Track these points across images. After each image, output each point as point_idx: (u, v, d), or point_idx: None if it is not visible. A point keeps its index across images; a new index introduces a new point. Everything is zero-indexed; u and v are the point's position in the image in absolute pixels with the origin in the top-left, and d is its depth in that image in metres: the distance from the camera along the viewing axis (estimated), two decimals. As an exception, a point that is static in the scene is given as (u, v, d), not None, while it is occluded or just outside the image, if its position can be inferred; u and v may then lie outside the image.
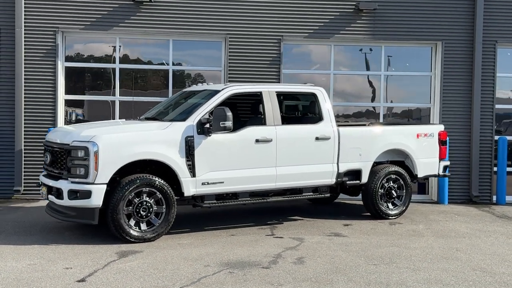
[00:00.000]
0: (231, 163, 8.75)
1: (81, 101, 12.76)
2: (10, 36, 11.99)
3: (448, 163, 11.05)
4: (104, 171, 7.85)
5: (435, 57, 12.91)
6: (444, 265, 7.21)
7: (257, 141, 8.93)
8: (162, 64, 12.61)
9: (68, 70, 12.42)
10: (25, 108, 12.04)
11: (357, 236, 8.86)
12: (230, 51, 12.36)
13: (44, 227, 9.00)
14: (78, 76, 12.73)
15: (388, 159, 10.55)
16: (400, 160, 10.63)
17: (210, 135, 8.50)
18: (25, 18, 11.98)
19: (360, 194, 10.40)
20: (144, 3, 12.15)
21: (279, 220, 9.93)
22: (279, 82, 12.39)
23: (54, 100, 12.16)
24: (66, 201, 7.94)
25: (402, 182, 10.34)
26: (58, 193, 8.04)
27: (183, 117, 8.74)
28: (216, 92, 9.05)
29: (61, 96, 12.33)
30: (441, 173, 10.89)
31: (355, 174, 9.97)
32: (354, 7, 12.50)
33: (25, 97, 12.04)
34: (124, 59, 12.60)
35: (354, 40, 12.71)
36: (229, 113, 8.38)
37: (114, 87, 12.50)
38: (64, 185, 7.98)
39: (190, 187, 8.43)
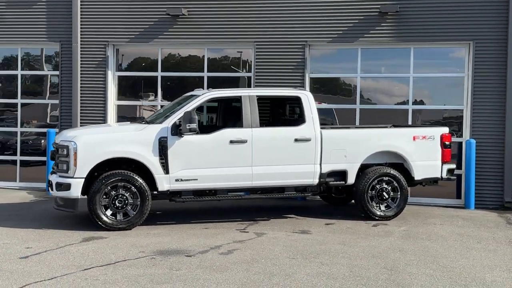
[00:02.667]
0: (205, 162, 9.55)
1: (134, 106, 14.19)
2: (68, 50, 13.80)
3: (453, 166, 10.82)
4: (82, 167, 9.08)
5: (468, 58, 12.52)
6: (359, 262, 7.40)
7: (231, 142, 9.64)
8: (199, 71, 13.65)
9: (119, 79, 13.95)
10: (80, 113, 13.76)
11: (320, 233, 9.19)
12: (256, 57, 13.09)
13: (56, 216, 10.40)
14: (128, 84, 14.24)
15: (386, 161, 10.62)
16: (399, 162, 10.63)
17: (183, 136, 9.37)
18: (80, 34, 13.71)
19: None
20: (180, 16, 13.31)
21: (268, 218, 10.47)
22: (303, 86, 12.85)
23: (104, 106, 13.75)
24: (54, 192, 9.32)
25: (396, 184, 10.37)
26: (50, 185, 9.43)
27: (163, 119, 9.71)
28: (196, 97, 9.91)
29: (112, 102, 13.90)
30: (444, 176, 10.69)
31: (341, 175, 10.22)
32: (378, 10, 12.58)
33: (81, 103, 13.76)
34: (166, 67, 13.84)
35: (380, 43, 12.78)
36: (195, 117, 9.20)
37: (156, 94, 13.79)
38: (54, 178, 9.37)
39: (164, 183, 9.39)
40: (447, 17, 12.40)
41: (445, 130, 10.73)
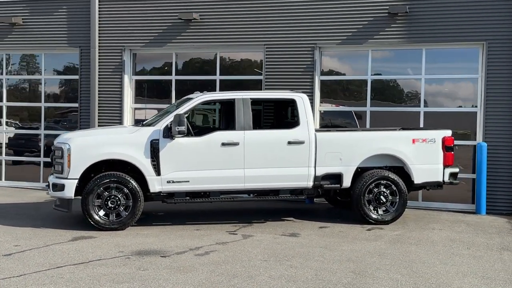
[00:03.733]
0: (197, 164, 9.68)
1: (151, 109, 14.49)
2: (87, 55, 14.23)
3: (456, 170, 10.54)
4: (76, 168, 9.37)
5: (482, 59, 12.16)
6: (330, 266, 7.34)
7: (223, 144, 9.72)
8: (211, 74, 13.80)
9: (135, 82, 14.28)
10: (98, 116, 14.16)
11: (308, 236, 9.15)
12: (267, 59, 13.14)
13: (59, 216, 10.73)
14: (144, 87, 14.57)
15: (386, 165, 10.46)
16: (399, 166, 10.45)
17: (174, 139, 9.53)
18: (98, 39, 14.12)
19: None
20: (192, 20, 13.51)
21: (265, 220, 10.49)
22: (312, 89, 12.82)
23: (120, 109, 14.10)
24: (51, 192, 9.64)
25: (394, 188, 10.20)
26: (48, 186, 9.77)
27: (157, 122, 9.90)
28: (189, 99, 10.05)
29: (128, 105, 14.24)
30: (447, 180, 10.44)
31: (336, 178, 10.14)
32: (387, 11, 12.39)
33: (98, 107, 14.17)
34: (179, 71, 14.08)
35: (391, 44, 12.59)
36: (184, 119, 9.34)
37: (170, 97, 14.03)
38: (51, 179, 9.70)
39: (155, 185, 9.57)
40: (458, 17, 12.09)
41: (447, 133, 10.47)
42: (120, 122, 14.00)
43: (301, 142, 9.94)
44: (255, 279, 6.76)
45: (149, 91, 14.64)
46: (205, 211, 11.40)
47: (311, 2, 12.86)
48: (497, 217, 11.29)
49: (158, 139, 9.55)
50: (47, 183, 9.90)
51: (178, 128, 9.32)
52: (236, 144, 9.75)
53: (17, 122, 15.39)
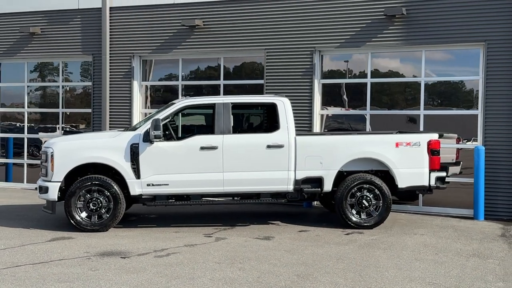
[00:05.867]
0: (176, 167, 9.87)
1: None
2: (99, 61, 14.73)
3: (443, 174, 10.29)
4: (58, 172, 9.76)
5: (482, 60, 11.81)
6: (278, 269, 7.35)
7: (202, 148, 9.88)
8: (215, 79, 14.01)
9: (146, 88, 14.67)
10: (110, 120, 14.62)
11: (280, 240, 9.18)
12: (267, 64, 13.23)
13: (53, 217, 11.13)
14: (153, 93, 14.94)
15: (372, 169, 10.34)
16: (384, 170, 10.30)
17: (153, 143, 9.77)
18: (109, 46, 14.59)
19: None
20: (196, 26, 13.76)
21: (249, 223, 10.57)
22: (311, 93, 12.82)
23: (129, 114, 14.51)
24: (38, 194, 10.07)
25: (378, 192, 10.07)
26: (36, 188, 10.22)
27: (138, 126, 10.18)
28: (171, 104, 10.27)
29: (138, 110, 14.64)
30: (433, 184, 10.21)
31: (316, 182, 10.10)
32: (384, 14, 12.24)
33: (109, 112, 14.63)
34: (186, 77, 14.38)
35: (390, 46, 12.41)
36: (160, 124, 9.55)
37: (177, 101, 14.30)
38: (38, 182, 10.13)
39: (135, 188, 9.83)
40: (457, 17, 11.79)
41: (433, 136, 10.24)
42: (129, 126, 14.37)
43: (281, 146, 9.97)
44: (194, 281, 6.87)
45: (158, 96, 14.99)
46: (196, 214, 11.58)
47: (310, 7, 12.84)
48: (493, 222, 10.93)
49: (138, 143, 9.79)
50: (36, 186, 10.34)
51: (154, 133, 9.54)
52: (214, 148, 9.88)
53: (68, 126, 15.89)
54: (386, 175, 10.30)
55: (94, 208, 9.77)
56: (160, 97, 14.98)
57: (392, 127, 11.93)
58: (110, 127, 14.56)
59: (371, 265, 7.62)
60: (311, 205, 12.56)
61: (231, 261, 7.82)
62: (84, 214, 9.79)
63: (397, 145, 10.13)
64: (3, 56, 15.84)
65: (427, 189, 10.36)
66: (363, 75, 12.84)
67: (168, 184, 9.86)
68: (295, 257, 8.06)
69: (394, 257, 8.11)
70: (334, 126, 13.23)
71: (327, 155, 10.07)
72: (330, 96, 13.27)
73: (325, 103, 13.16)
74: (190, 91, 14.31)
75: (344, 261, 7.82)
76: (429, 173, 10.17)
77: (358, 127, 13.01)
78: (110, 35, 14.61)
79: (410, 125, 12.53)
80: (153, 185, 9.84)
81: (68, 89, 15.87)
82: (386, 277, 7.08)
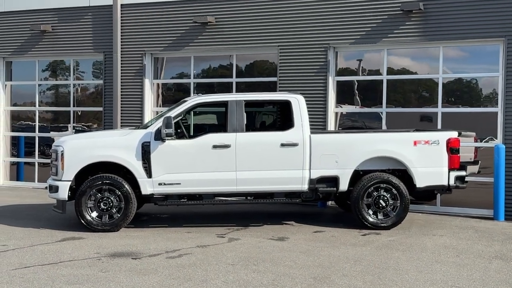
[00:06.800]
0: (188, 166, 9.65)
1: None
2: (110, 60, 14.55)
3: (463, 173, 9.99)
4: (68, 170, 9.57)
5: (502, 56, 11.48)
6: (294, 271, 7.11)
7: (214, 146, 9.65)
8: (228, 77, 13.79)
9: (157, 86, 14.48)
10: (121, 118, 14.44)
11: (295, 241, 8.94)
12: (280, 61, 12.98)
13: (64, 217, 10.94)
14: (164, 91, 14.75)
15: (389, 167, 10.07)
16: (402, 169, 10.02)
17: (164, 141, 9.55)
18: (120, 44, 14.40)
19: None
20: (208, 23, 13.54)
21: (262, 224, 10.33)
22: (325, 90, 12.57)
23: (141, 112, 14.32)
24: (48, 194, 9.89)
25: (395, 192, 9.79)
26: (46, 187, 10.04)
27: (149, 125, 9.98)
28: (183, 102, 10.06)
29: (150, 108, 14.44)
30: (452, 184, 9.91)
31: (332, 181, 9.84)
32: (400, 9, 11.94)
33: (121, 110, 14.44)
34: (198, 75, 14.17)
35: (406, 42, 12.11)
36: (171, 122, 9.33)
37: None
38: (48, 181, 9.95)
39: (147, 187, 9.62)
40: (476, 12, 11.47)
41: (453, 134, 9.94)
42: (140, 123, 14.17)
43: (295, 144, 9.72)
44: (207, 284, 6.65)
45: (169, 95, 14.79)
46: (208, 214, 11.36)
47: (324, 2, 12.58)
48: (516, 223, 10.62)
49: (149, 142, 9.58)
50: (46, 185, 10.16)
51: (166, 131, 9.33)
52: (227, 146, 9.65)
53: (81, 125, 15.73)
54: (404, 174, 10.02)
55: (105, 207, 9.57)
56: (171, 95, 14.77)
57: (405, 126, 11.66)
58: (121, 125, 14.38)
59: (390, 268, 7.35)
60: (325, 205, 12.30)
61: (245, 262, 7.59)
62: (94, 214, 9.59)
63: (415, 143, 9.85)
64: (14, 54, 15.71)
65: (446, 189, 10.07)
66: (375, 72, 12.55)
67: (180, 183, 9.64)
68: (311, 259, 7.81)
69: (414, 259, 7.84)
70: (347, 125, 12.96)
71: (343, 154, 9.81)
72: (344, 94, 12.99)
73: (339, 101, 12.89)
74: (202, 89, 14.10)
75: (362, 263, 7.56)
76: (449, 172, 9.87)
77: (372, 126, 12.73)
78: (121, 32, 14.42)
79: (423, 124, 12.22)
80: (164, 184, 9.63)
81: (79, 88, 15.70)
82: (407, 280, 6.81)
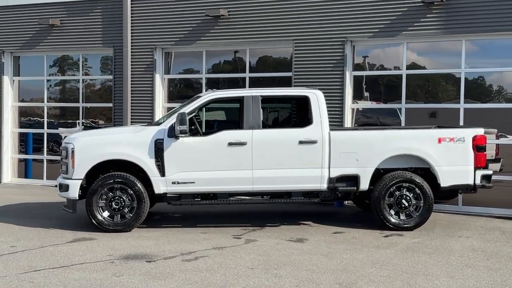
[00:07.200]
0: (202, 164, 9.28)
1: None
2: (120, 54, 14.19)
3: (489, 172, 9.57)
4: (80, 169, 9.21)
5: (528, 49, 11.06)
6: (317, 276, 6.74)
7: (230, 144, 9.28)
8: (240, 72, 13.41)
9: (168, 82, 14.13)
10: (131, 114, 14.08)
11: (315, 243, 8.56)
12: (295, 55, 12.58)
13: (74, 216, 10.61)
14: (175, 87, 14.40)
15: (411, 166, 9.67)
16: (425, 167, 9.62)
17: (178, 138, 9.18)
18: (131, 39, 14.04)
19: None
20: (220, 17, 13.15)
21: (279, 224, 9.97)
22: (342, 85, 12.17)
23: (152, 108, 13.95)
24: (58, 192, 9.55)
25: (418, 192, 9.39)
26: (56, 186, 9.69)
27: (162, 121, 9.62)
28: (197, 97, 9.68)
29: (161, 104, 14.08)
30: (478, 183, 9.50)
31: (352, 180, 9.46)
32: (421, 0, 11.51)
33: (131, 106, 14.08)
34: (209, 70, 13.81)
35: (427, 35, 11.67)
36: (186, 118, 8.96)
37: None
38: (58, 179, 9.61)
39: (160, 186, 9.25)
40: (501, 4, 11.02)
41: (479, 131, 9.53)
42: (151, 119, 13.83)
43: (314, 142, 9.33)
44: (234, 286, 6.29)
45: (179, 90, 14.44)
46: (222, 213, 10.99)
47: (341, -6, 12.17)
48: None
49: (162, 139, 9.22)
50: (56, 184, 9.81)
51: (180, 128, 8.96)
52: (243, 143, 9.28)
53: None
54: (426, 173, 9.62)
55: (117, 207, 9.23)
56: (180, 91, 14.41)
57: (414, 122, 11.26)
58: (131, 122, 14.03)
59: (419, 273, 6.96)
60: (342, 204, 11.91)
61: (264, 266, 7.22)
62: (106, 214, 9.25)
63: (439, 140, 9.44)
64: (22, 49, 15.37)
65: (471, 188, 9.66)
66: (390, 68, 12.14)
67: (194, 182, 9.27)
68: (333, 262, 7.43)
69: (442, 263, 7.44)
70: (362, 121, 12.55)
71: (363, 152, 9.41)
72: (359, 90, 12.59)
73: (354, 96, 12.49)
74: (213, 85, 13.70)
75: (388, 268, 7.17)
76: (474, 171, 9.45)
77: (385, 122, 12.32)
78: (131, 26, 14.06)
79: (431, 120, 11.82)
80: (178, 183, 9.26)
81: (88, 83, 15.34)
82: (438, 287, 6.42)
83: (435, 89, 12.22)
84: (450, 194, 10.53)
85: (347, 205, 11.92)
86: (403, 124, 11.86)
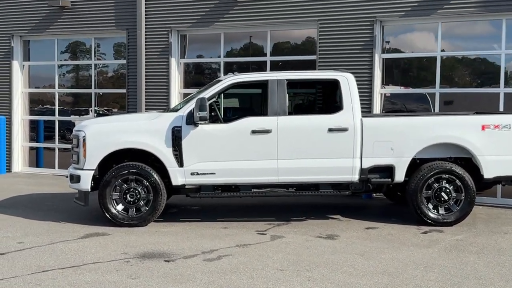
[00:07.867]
0: (224, 154, 8.57)
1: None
2: (134, 38, 13.47)
3: (539, 162, 8.74)
4: (92, 158, 8.53)
5: None
6: (355, 280, 6.01)
7: (253, 132, 8.55)
8: (260, 55, 12.65)
9: (184, 66, 13.41)
10: (146, 100, 13.38)
11: (348, 240, 7.83)
12: (320, 37, 11.79)
13: (86, 209, 9.97)
14: (192, 72, 13.68)
15: (450, 156, 8.88)
16: (466, 157, 8.83)
17: (197, 126, 8.47)
18: (145, 21, 13.30)
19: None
20: (241, -3, 12.38)
21: (305, 218, 9.25)
22: (371, 69, 11.37)
23: (167, 94, 13.24)
24: (69, 184, 8.88)
25: (459, 184, 8.61)
26: (67, 176, 9.02)
27: (179, 107, 8.90)
28: (218, 81, 8.95)
29: (177, 90, 13.36)
30: (525, 174, 8.71)
31: (386, 171, 8.70)
32: (458, -24, 10.66)
33: (145, 92, 13.38)
34: (227, 54, 13.06)
35: (463, 14, 10.82)
36: (205, 104, 8.24)
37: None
38: (69, 169, 8.94)
39: (178, 177, 8.55)
40: (545, -21, 10.16)
41: (525, 117, 8.70)
42: (167, 105, 13.14)
43: (345, 129, 8.57)
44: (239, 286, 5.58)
45: (195, 75, 13.70)
46: (243, 206, 10.29)
47: (370, -30, 11.33)
48: None
49: (180, 126, 8.50)
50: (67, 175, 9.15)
51: (199, 114, 8.24)
52: (268, 131, 8.54)
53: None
54: (467, 163, 8.83)
55: (132, 199, 8.55)
56: (196, 76, 13.67)
57: (447, 109, 10.48)
58: (146, 108, 13.33)
59: (469, 276, 6.21)
60: (371, 196, 11.16)
61: (295, 267, 6.50)
62: (120, 207, 8.57)
63: (483, 128, 8.64)
64: (31, 32, 14.69)
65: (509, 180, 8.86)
66: (422, 49, 11.32)
67: (214, 173, 8.56)
68: (371, 263, 6.69)
69: (493, 264, 6.68)
70: (387, 108, 11.73)
71: (399, 140, 8.64)
72: (387, 74, 11.78)
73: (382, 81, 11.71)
74: (232, 69, 12.96)
75: (434, 270, 6.42)
76: (521, 161, 8.65)
77: (414, 108, 11.51)
78: (145, 7, 13.31)
79: (447, 107, 11.03)
80: (197, 174, 8.55)
81: (101, 70, 14.63)
82: (495, 293, 5.68)
83: (470, 73, 11.38)
84: (486, 185, 9.73)
85: (375, 197, 11.16)
86: (436, 110, 11.05)
